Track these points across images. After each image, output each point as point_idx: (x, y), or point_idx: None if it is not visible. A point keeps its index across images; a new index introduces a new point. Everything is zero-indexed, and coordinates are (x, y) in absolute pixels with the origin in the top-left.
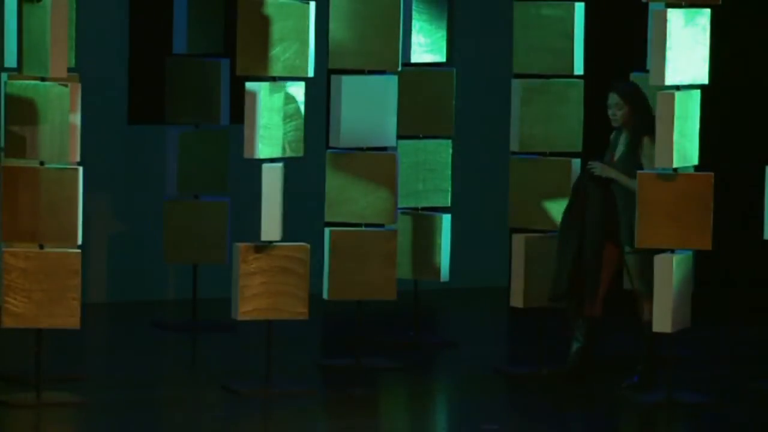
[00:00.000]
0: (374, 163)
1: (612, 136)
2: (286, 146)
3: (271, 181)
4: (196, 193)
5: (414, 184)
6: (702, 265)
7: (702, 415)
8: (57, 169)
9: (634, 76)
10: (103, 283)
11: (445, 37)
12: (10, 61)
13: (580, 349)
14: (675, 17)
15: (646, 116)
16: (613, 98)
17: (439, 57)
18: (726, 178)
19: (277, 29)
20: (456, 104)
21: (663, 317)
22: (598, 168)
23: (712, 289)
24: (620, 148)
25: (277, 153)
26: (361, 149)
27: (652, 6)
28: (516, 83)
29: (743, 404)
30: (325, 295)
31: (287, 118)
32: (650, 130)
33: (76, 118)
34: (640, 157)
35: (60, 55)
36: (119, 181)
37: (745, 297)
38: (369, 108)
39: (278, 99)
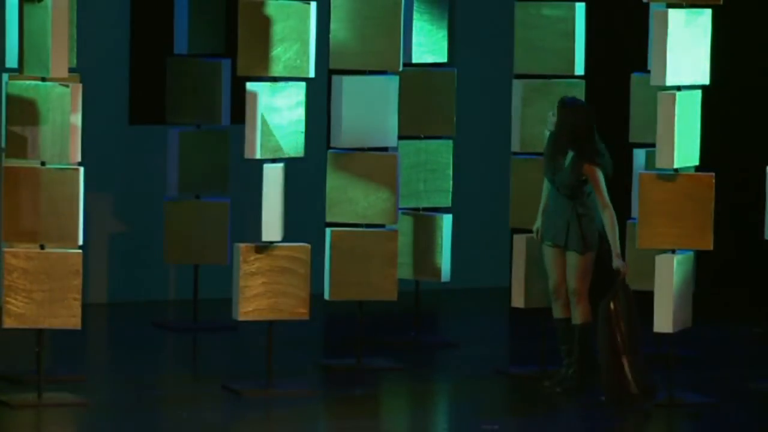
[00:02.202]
0: (375, 164)
1: (549, 144)
2: (287, 146)
3: (272, 181)
4: (196, 194)
5: (415, 185)
6: (703, 265)
7: (703, 415)
8: (58, 169)
9: (635, 77)
10: (104, 283)
11: (446, 38)
12: (11, 61)
13: (578, 358)
14: (676, 17)
15: (590, 143)
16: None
17: (440, 57)
18: (726, 178)
19: (278, 29)
20: (457, 104)
21: (664, 317)
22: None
23: (713, 289)
24: (566, 168)
25: (277, 153)
26: (362, 149)
27: (653, 6)
28: (517, 83)
29: (744, 404)
30: (326, 296)
31: (288, 118)
32: (591, 159)
33: (77, 119)
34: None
35: (61, 55)
36: (120, 182)
37: (745, 297)
38: (370, 108)
39: (279, 99)
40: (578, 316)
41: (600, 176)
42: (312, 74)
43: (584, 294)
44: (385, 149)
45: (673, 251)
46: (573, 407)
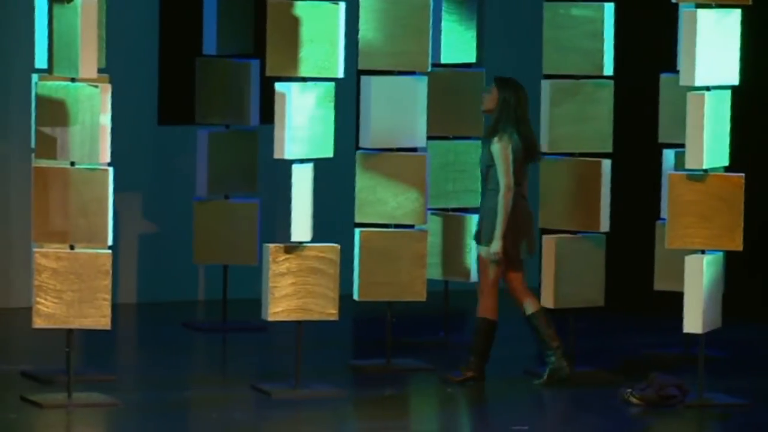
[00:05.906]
0: (404, 164)
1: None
2: (316, 147)
3: (301, 181)
4: (226, 194)
5: (444, 185)
6: (732, 265)
7: (733, 415)
8: (87, 169)
9: (664, 77)
10: (134, 283)
11: (474, 38)
12: (41, 62)
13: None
14: (705, 17)
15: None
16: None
17: (469, 58)
18: (756, 179)
19: (306, 30)
20: None
21: (694, 318)
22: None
23: (743, 289)
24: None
25: (307, 153)
26: (390, 150)
27: (682, 6)
28: (546, 84)
29: None
30: (355, 296)
31: (317, 118)
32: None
33: (107, 119)
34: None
35: (90, 55)
36: (149, 182)
37: None
38: (399, 108)
39: (308, 99)
40: (483, 311)
41: (508, 153)
42: (341, 74)
43: (486, 289)
44: (414, 149)
45: (703, 252)
46: (603, 407)
